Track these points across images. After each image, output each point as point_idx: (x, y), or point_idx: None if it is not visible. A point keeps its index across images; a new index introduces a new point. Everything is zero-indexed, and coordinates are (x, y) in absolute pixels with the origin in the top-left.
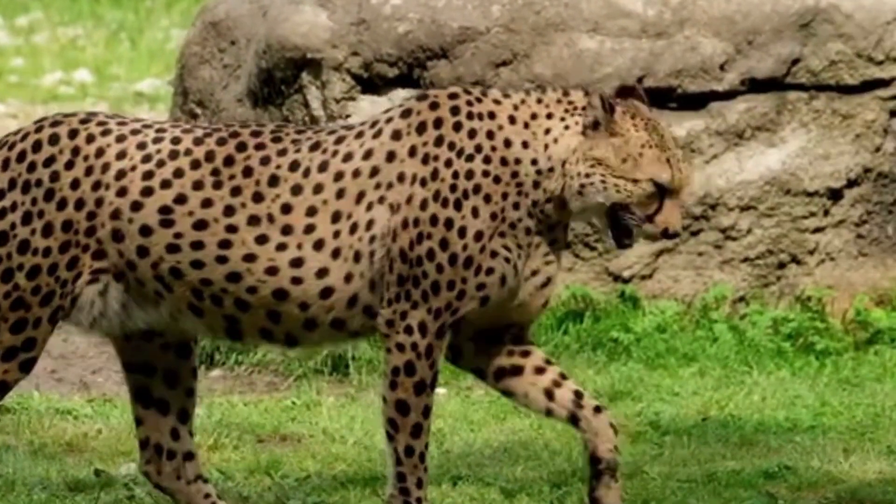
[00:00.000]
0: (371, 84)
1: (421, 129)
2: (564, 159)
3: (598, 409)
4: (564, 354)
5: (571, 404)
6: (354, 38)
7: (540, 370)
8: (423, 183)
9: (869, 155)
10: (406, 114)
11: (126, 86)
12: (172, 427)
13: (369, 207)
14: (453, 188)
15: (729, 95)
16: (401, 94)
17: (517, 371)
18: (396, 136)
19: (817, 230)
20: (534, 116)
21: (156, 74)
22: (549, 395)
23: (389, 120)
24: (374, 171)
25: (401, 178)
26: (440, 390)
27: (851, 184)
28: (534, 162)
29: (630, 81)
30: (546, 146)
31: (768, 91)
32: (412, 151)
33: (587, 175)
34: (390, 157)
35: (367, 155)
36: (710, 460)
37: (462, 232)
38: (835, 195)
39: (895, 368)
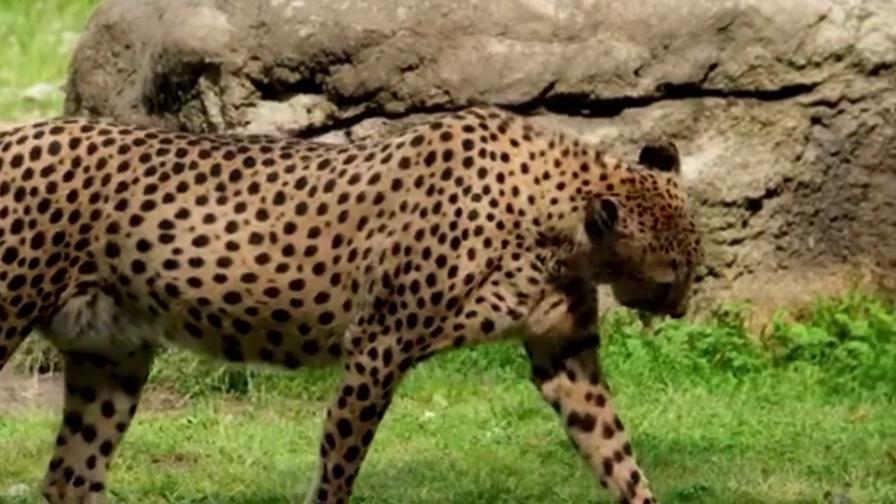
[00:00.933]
0: (271, 90)
1: (430, 159)
2: (570, 238)
3: (647, 502)
4: (472, 371)
5: (626, 486)
6: (254, 42)
7: (609, 432)
8: (424, 214)
9: (789, 164)
10: (417, 141)
11: (16, 91)
12: (91, 455)
13: (369, 235)
14: (453, 225)
15: (644, 102)
16: (302, 101)
17: (588, 425)
18: (405, 164)
19: (735, 242)
20: (546, 176)
21: (47, 79)
22: (608, 468)
23: (400, 146)
24: (379, 198)
25: (403, 207)
26: None
27: (771, 194)
28: (536, 222)
29: (539, 88)
30: (550, 215)
31: (685, 97)
32: (419, 182)
33: (596, 275)
34: (396, 185)
35: (374, 180)
36: None
37: (453, 272)
38: (754, 206)
39: (815, 386)
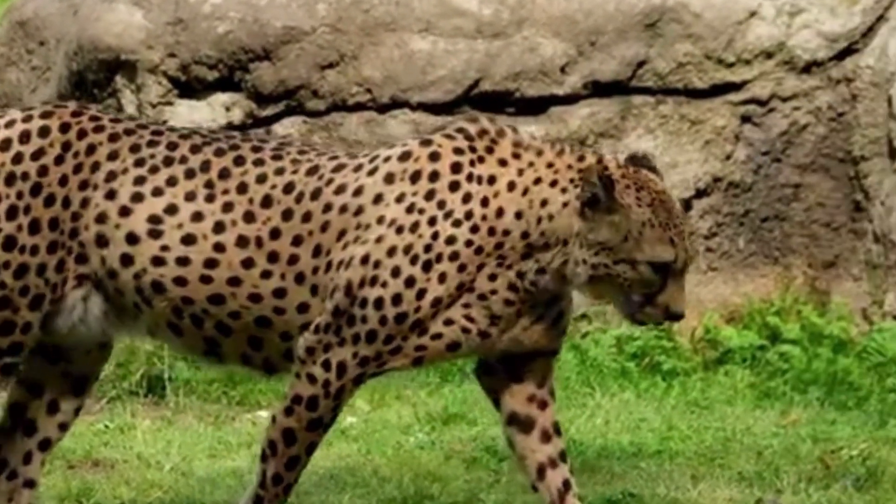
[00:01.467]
0: (189, 88)
1: (415, 178)
2: (563, 238)
3: None
4: (395, 375)
5: (557, 494)
6: (171, 39)
7: (546, 437)
8: (399, 231)
9: (719, 163)
10: (405, 157)
11: None
12: (28, 451)
13: (345, 247)
14: (428, 248)
15: (570, 100)
16: (221, 99)
17: (527, 427)
18: (389, 179)
19: None
20: (537, 181)
21: None
22: (541, 473)
23: (388, 159)
24: (359, 211)
25: (380, 220)
26: (262, 413)
27: (700, 194)
28: (524, 235)
29: (464, 86)
30: (539, 220)
31: (612, 95)
32: (400, 198)
33: (594, 266)
34: (377, 199)
35: (358, 192)
36: None
37: (420, 294)
38: (683, 206)
39: (746, 390)
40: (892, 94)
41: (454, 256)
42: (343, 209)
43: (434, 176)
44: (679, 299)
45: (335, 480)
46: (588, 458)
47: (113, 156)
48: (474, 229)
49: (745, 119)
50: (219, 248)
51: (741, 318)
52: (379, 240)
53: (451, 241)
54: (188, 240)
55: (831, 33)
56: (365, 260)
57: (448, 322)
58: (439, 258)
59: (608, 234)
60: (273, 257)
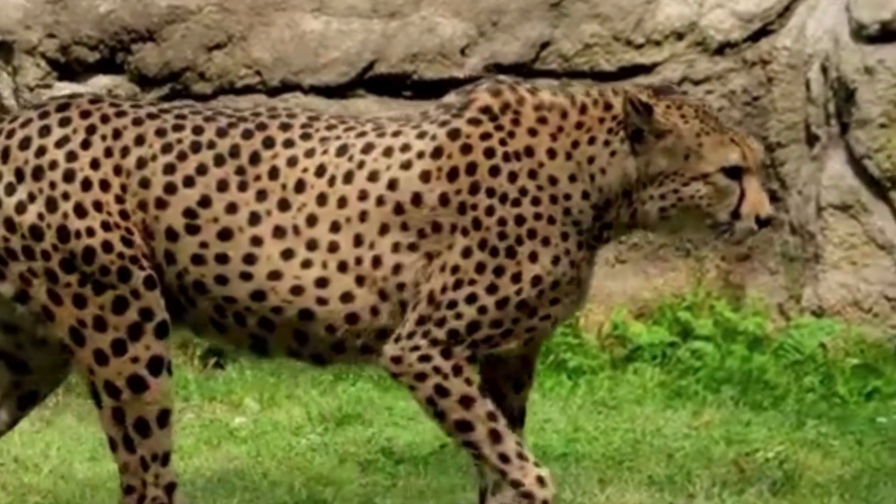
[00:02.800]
0: (69, 70)
1: (453, 176)
2: (623, 189)
3: None
4: (287, 373)
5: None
6: (50, 19)
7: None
8: (465, 233)
9: None
10: (437, 154)
11: None
12: None
13: (396, 249)
14: (502, 236)
15: (470, 82)
16: (102, 82)
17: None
18: (425, 177)
19: None
20: (575, 145)
21: None
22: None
23: (421, 155)
24: (399, 209)
25: (436, 228)
26: None
27: None
28: (585, 195)
29: (358, 68)
30: (593, 177)
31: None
32: (444, 200)
33: (662, 196)
34: (416, 200)
35: (392, 185)
36: (449, 492)
37: (517, 277)
38: None
39: (656, 389)
40: (809, 77)
41: (532, 234)
42: (380, 201)
43: (472, 169)
44: (764, 202)
45: (223, 484)
46: None
47: (140, 140)
48: (536, 202)
49: None
50: (256, 241)
51: (651, 314)
52: (450, 247)
53: (520, 220)
54: (225, 235)
55: (746, 13)
56: (443, 268)
57: (554, 301)
58: (519, 240)
59: (666, 160)
60: (312, 245)
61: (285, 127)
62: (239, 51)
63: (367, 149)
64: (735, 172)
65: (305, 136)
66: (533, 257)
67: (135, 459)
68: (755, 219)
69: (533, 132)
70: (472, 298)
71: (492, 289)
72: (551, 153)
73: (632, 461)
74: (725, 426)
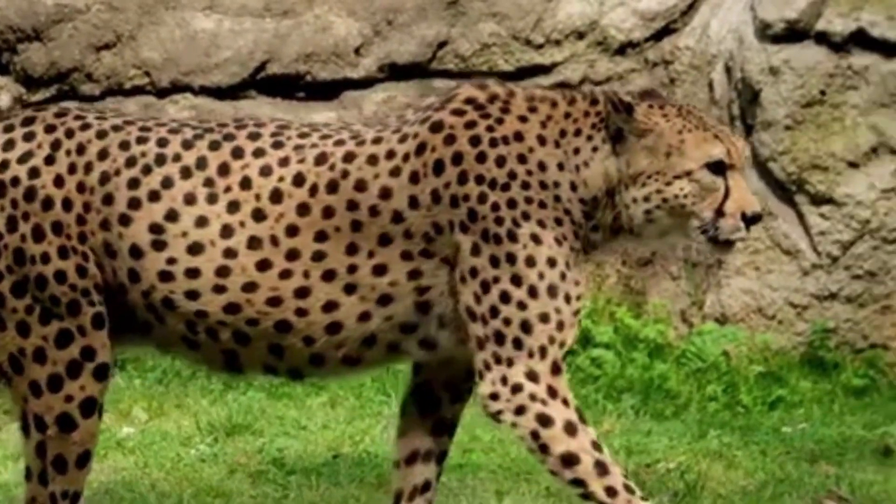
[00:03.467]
0: None
1: (439, 169)
2: (606, 188)
3: None
4: (175, 381)
5: (410, 490)
6: None
7: (440, 431)
8: (464, 229)
9: None
10: (420, 150)
11: None
12: None
13: (407, 257)
14: (499, 221)
15: (365, 84)
16: None
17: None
18: (414, 178)
19: None
20: (563, 133)
21: None
22: (412, 460)
23: (406, 158)
24: (398, 217)
25: (438, 229)
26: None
27: None
28: (573, 187)
29: (250, 68)
30: (578, 168)
31: (410, 78)
32: (435, 197)
33: (646, 198)
34: (413, 203)
35: (385, 195)
36: (342, 503)
37: (530, 261)
38: None
39: None
40: (713, 77)
41: (526, 216)
42: (374, 212)
43: (457, 158)
44: (750, 199)
45: (110, 495)
46: (383, 471)
47: (103, 155)
48: (525, 185)
49: None
50: (229, 253)
51: None
52: (457, 248)
53: (512, 204)
54: (195, 249)
55: (648, 11)
56: (463, 279)
57: (576, 282)
58: (516, 223)
59: (648, 159)
60: (293, 255)
61: (254, 136)
62: (128, 51)
63: (349, 158)
64: (719, 168)
65: (277, 145)
66: (536, 239)
67: (45, 494)
68: (741, 216)
69: (523, 119)
70: (505, 297)
71: (516, 280)
72: (541, 139)
73: (529, 472)
74: (626, 436)
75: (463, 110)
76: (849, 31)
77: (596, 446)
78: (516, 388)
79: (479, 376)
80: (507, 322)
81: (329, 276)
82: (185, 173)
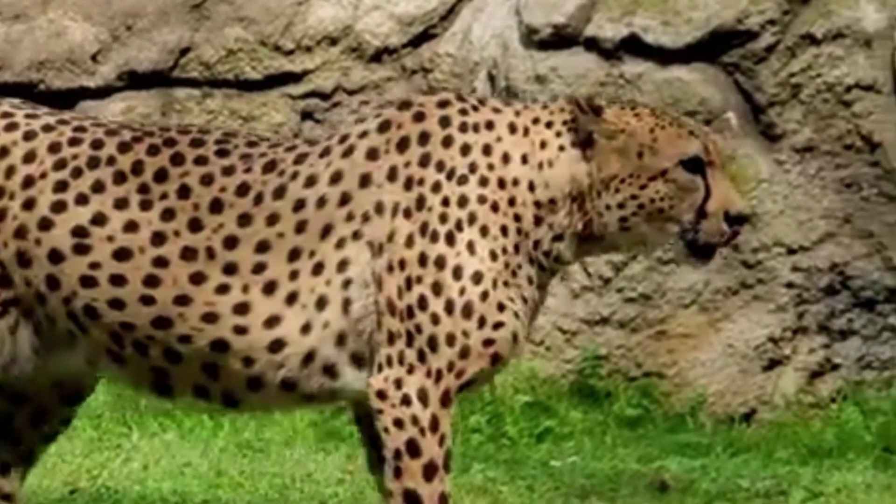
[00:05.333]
0: None
1: (403, 146)
2: (569, 192)
3: None
4: None
5: None
6: None
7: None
8: (407, 214)
9: None
10: (384, 127)
11: None
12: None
13: (340, 244)
14: (443, 218)
15: (103, 92)
16: None
17: None
18: (372, 154)
19: None
20: (535, 121)
21: None
22: None
23: (364, 135)
24: (345, 200)
25: (379, 208)
26: None
27: None
28: (531, 187)
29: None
30: (541, 165)
31: (151, 87)
32: (392, 175)
33: (620, 205)
34: (364, 181)
35: (336, 179)
36: None
37: (457, 273)
38: None
39: (307, 430)
40: (476, 86)
41: (472, 219)
42: (321, 202)
43: (424, 137)
44: (734, 197)
45: None
46: None
47: (29, 158)
48: (483, 182)
49: (306, 115)
50: (160, 262)
51: None
52: (391, 236)
53: (463, 201)
54: (121, 254)
55: (405, 16)
56: (390, 268)
57: (500, 307)
58: (459, 225)
59: (620, 162)
60: (230, 269)
61: (197, 143)
62: None
63: (301, 158)
64: (696, 165)
65: (222, 153)
66: (471, 248)
67: None
68: (724, 216)
69: (497, 110)
70: (422, 302)
71: (437, 288)
72: (512, 127)
73: None
74: None
75: (435, 92)
76: (620, 37)
77: (443, 500)
78: (405, 400)
79: (377, 368)
80: (418, 329)
81: (270, 288)
82: (119, 177)
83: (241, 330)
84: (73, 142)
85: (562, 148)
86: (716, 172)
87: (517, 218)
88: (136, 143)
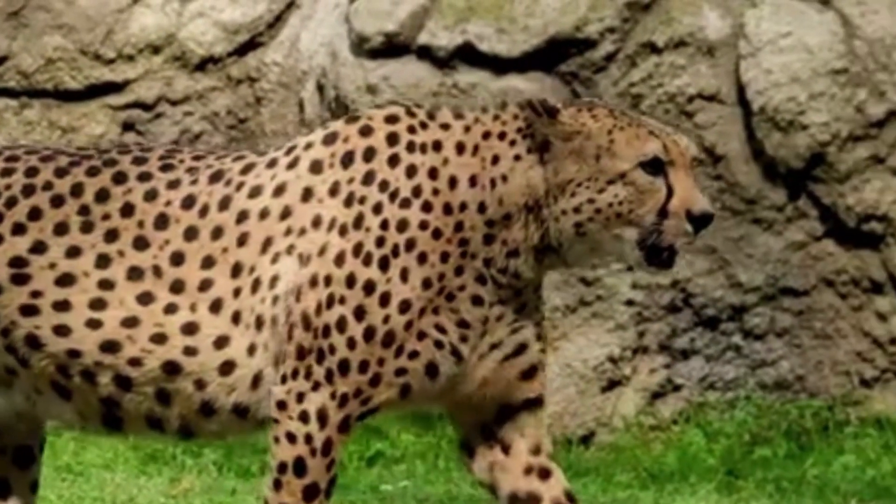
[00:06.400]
0: None
1: (347, 160)
2: (525, 203)
3: None
4: None
5: None
6: None
7: None
8: (343, 231)
9: None
10: (330, 139)
11: None
12: None
13: (275, 259)
14: (380, 242)
15: None
16: None
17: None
18: (316, 167)
19: None
20: (486, 135)
21: None
22: None
23: (309, 146)
24: (286, 213)
25: (316, 223)
26: None
27: None
28: (481, 208)
29: None
30: (493, 182)
31: None
32: (334, 189)
33: (576, 210)
34: (306, 195)
35: (279, 191)
36: None
37: (384, 300)
38: None
39: (128, 453)
40: (304, 96)
41: (410, 245)
42: (263, 214)
43: (369, 153)
44: (697, 196)
45: None
46: None
47: None
48: (426, 207)
49: (128, 126)
50: (105, 284)
51: None
52: (322, 251)
53: (403, 226)
54: (64, 280)
55: (231, 24)
56: (314, 281)
57: (421, 335)
58: (395, 251)
59: (576, 165)
60: (177, 287)
61: (140, 161)
62: None
63: (247, 169)
64: (656, 166)
65: (167, 168)
66: (404, 275)
67: None
68: (687, 213)
69: (446, 126)
70: (341, 325)
71: (359, 312)
72: (459, 147)
73: None
74: (208, 494)
75: (384, 107)
76: (454, 45)
77: None
78: (303, 416)
79: (282, 377)
80: (332, 349)
81: (217, 306)
82: (57, 202)
83: (191, 351)
84: (5, 172)
85: (517, 158)
86: (678, 172)
87: (463, 242)
88: (74, 166)
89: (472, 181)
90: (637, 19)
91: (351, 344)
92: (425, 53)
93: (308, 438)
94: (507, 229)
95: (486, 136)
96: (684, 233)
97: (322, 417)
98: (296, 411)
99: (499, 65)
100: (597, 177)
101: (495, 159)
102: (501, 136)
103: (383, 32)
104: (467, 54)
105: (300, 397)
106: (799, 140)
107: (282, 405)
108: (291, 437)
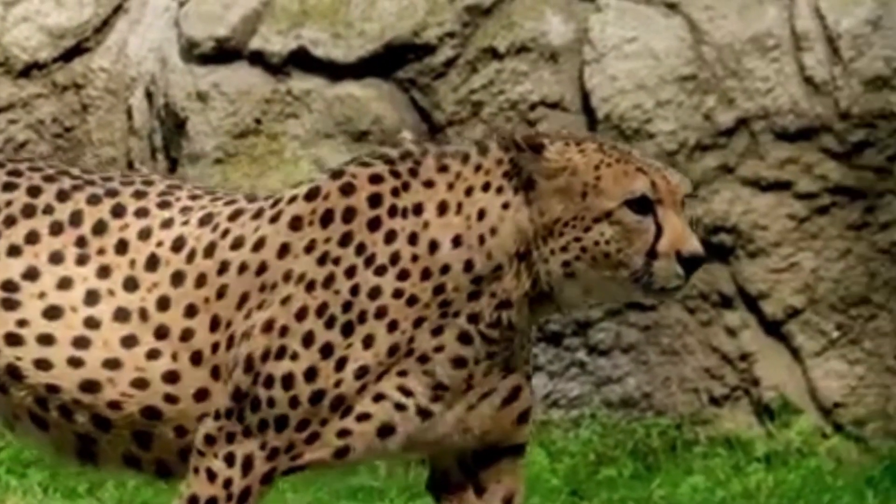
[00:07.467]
0: None
1: (326, 220)
2: (517, 251)
3: None
4: None
5: None
6: None
7: None
8: (311, 287)
9: None
10: (312, 195)
11: None
12: None
13: (248, 315)
14: (347, 307)
15: None
16: None
17: None
18: (295, 224)
19: None
20: (469, 191)
21: None
22: None
23: (293, 200)
24: (262, 269)
25: (287, 277)
26: None
27: None
28: (468, 267)
29: None
30: (482, 239)
31: None
32: (309, 247)
33: (563, 249)
34: (283, 251)
35: (258, 245)
36: None
37: (341, 365)
38: None
39: None
40: (132, 104)
41: (381, 313)
42: (242, 268)
43: (349, 214)
44: (686, 236)
45: None
46: None
47: None
48: (403, 275)
49: None
50: (91, 323)
51: None
52: (285, 301)
53: (375, 294)
54: (52, 313)
55: (57, 28)
56: (268, 327)
57: (378, 397)
58: (362, 318)
59: (561, 203)
60: (161, 333)
61: (139, 195)
62: None
63: (235, 215)
64: (644, 205)
65: (163, 206)
66: (367, 342)
67: None
68: (677, 254)
69: (429, 184)
70: (288, 381)
71: (311, 373)
72: (442, 208)
73: None
74: None
75: (369, 163)
76: (288, 51)
77: None
78: (228, 458)
79: (215, 414)
80: (271, 402)
81: (197, 358)
82: (56, 229)
83: (172, 399)
84: (8, 187)
85: (505, 206)
86: (667, 211)
87: (443, 304)
88: (77, 191)
89: (456, 241)
90: (477, 24)
91: (294, 403)
92: (258, 59)
93: (228, 483)
94: (498, 281)
95: (469, 191)
96: (675, 275)
97: (247, 465)
98: (222, 451)
99: (334, 71)
100: (583, 215)
101: (481, 214)
102: (485, 187)
103: (214, 37)
104: (301, 60)
105: (230, 437)
106: (646, 149)
107: (210, 440)
108: (211, 476)
